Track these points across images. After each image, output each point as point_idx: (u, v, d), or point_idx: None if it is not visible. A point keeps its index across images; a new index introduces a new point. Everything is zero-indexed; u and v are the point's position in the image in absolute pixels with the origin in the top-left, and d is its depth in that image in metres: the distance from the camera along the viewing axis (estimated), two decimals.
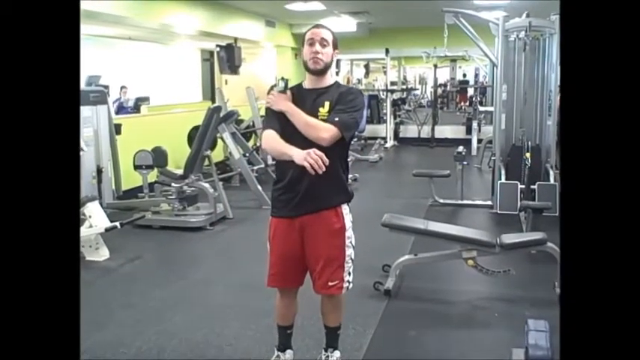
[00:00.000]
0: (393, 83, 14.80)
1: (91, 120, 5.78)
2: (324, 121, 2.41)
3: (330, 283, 2.53)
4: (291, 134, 2.42)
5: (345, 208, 2.56)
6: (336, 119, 2.39)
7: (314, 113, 2.43)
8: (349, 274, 2.57)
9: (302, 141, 2.37)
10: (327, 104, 2.45)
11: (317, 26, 2.49)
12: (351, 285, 2.60)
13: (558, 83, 6.12)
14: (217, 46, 9.22)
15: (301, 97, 2.51)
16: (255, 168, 7.21)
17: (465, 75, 19.50)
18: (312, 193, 2.45)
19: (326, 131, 2.37)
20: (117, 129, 6.26)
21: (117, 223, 4.68)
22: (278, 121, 2.47)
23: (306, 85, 2.55)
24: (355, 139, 10.99)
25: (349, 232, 2.55)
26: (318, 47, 2.43)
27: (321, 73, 2.48)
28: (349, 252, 2.55)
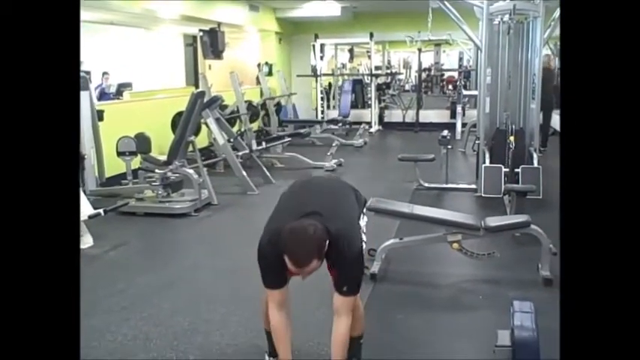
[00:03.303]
0: (377, 68, 14.73)
1: None
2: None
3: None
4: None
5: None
6: (344, 289, 2.25)
7: None
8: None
9: None
10: None
11: (298, 261, 2.12)
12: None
13: (541, 67, 6.15)
14: (200, 30, 9.13)
15: None
16: (240, 154, 7.15)
17: (442, 64, 19.16)
18: None
19: (347, 317, 2.26)
20: (99, 115, 6.17)
21: (100, 210, 4.64)
22: (281, 267, 2.20)
23: None
24: (340, 124, 10.97)
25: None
26: (307, 276, 2.23)
27: None
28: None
